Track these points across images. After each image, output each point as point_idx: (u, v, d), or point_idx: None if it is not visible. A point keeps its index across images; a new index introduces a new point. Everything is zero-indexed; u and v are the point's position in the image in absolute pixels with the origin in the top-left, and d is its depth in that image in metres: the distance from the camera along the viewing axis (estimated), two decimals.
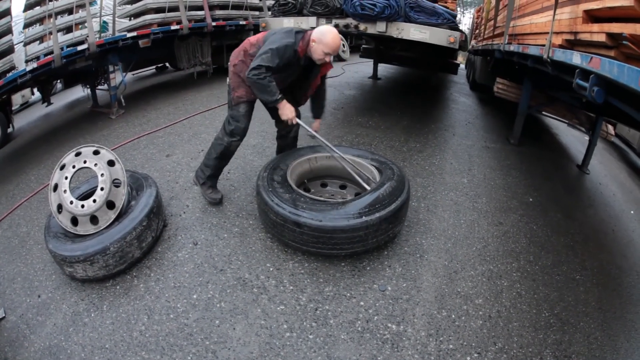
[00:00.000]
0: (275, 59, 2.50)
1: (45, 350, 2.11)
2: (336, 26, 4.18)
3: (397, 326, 2.12)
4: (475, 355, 2.01)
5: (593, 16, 2.10)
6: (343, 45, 10.20)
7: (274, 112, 2.88)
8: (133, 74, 8.18)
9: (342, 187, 3.02)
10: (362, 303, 2.24)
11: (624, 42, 1.73)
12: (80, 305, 2.34)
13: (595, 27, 1.99)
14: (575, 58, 2.10)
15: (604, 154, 5.96)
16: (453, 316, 2.21)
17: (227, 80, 2.87)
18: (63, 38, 4.85)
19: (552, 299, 2.47)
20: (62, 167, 2.62)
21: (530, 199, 3.50)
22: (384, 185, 2.49)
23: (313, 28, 2.86)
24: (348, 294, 2.29)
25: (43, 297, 2.45)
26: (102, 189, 2.51)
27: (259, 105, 2.89)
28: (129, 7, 5.83)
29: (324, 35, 2.56)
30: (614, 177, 5.10)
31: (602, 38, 1.89)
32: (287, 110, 2.64)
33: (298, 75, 2.84)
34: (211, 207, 3.06)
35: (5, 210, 3.56)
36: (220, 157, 2.92)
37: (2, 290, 2.59)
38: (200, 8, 6.57)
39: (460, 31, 3.73)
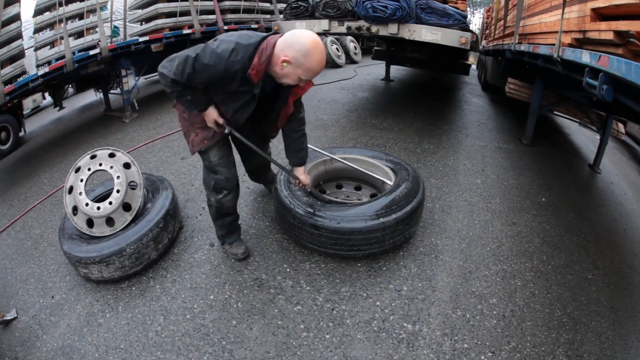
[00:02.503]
0: (191, 72, 1.77)
1: (58, 350, 2.13)
2: (348, 28, 4.19)
3: (413, 326, 2.13)
4: (490, 354, 2.01)
5: (601, 14, 2.09)
6: (355, 47, 10.21)
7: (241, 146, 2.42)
8: (145, 78, 8.25)
9: (357, 188, 3.01)
10: (378, 303, 2.25)
11: (631, 39, 1.74)
12: (95, 306, 2.35)
13: (603, 25, 1.99)
14: (585, 57, 2.10)
15: (615, 153, 5.91)
16: (468, 315, 2.21)
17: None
18: (74, 43, 4.91)
19: (564, 298, 2.46)
20: (77, 170, 2.64)
21: (543, 199, 3.48)
22: (400, 187, 2.49)
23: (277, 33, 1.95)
24: (364, 294, 2.30)
25: (57, 297, 2.48)
26: (118, 191, 2.54)
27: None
28: (140, 12, 5.90)
29: (307, 57, 1.75)
30: (625, 176, 5.06)
31: (610, 36, 1.89)
32: (210, 117, 2.06)
33: (259, 102, 2.09)
34: None
35: (18, 212, 3.60)
36: (219, 217, 2.45)
37: (15, 291, 2.62)
38: (212, 12, 6.65)
39: (472, 32, 3.72)
